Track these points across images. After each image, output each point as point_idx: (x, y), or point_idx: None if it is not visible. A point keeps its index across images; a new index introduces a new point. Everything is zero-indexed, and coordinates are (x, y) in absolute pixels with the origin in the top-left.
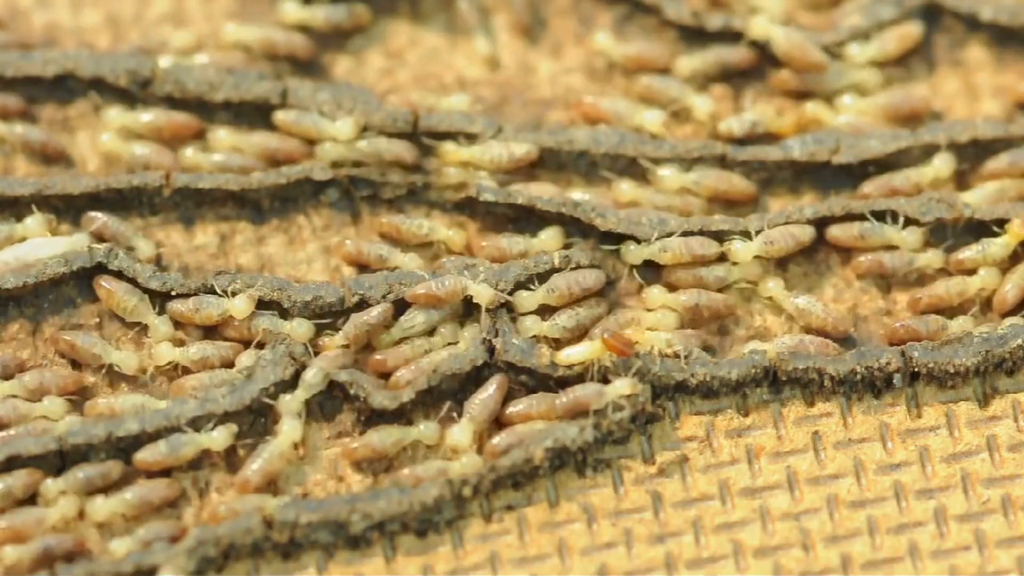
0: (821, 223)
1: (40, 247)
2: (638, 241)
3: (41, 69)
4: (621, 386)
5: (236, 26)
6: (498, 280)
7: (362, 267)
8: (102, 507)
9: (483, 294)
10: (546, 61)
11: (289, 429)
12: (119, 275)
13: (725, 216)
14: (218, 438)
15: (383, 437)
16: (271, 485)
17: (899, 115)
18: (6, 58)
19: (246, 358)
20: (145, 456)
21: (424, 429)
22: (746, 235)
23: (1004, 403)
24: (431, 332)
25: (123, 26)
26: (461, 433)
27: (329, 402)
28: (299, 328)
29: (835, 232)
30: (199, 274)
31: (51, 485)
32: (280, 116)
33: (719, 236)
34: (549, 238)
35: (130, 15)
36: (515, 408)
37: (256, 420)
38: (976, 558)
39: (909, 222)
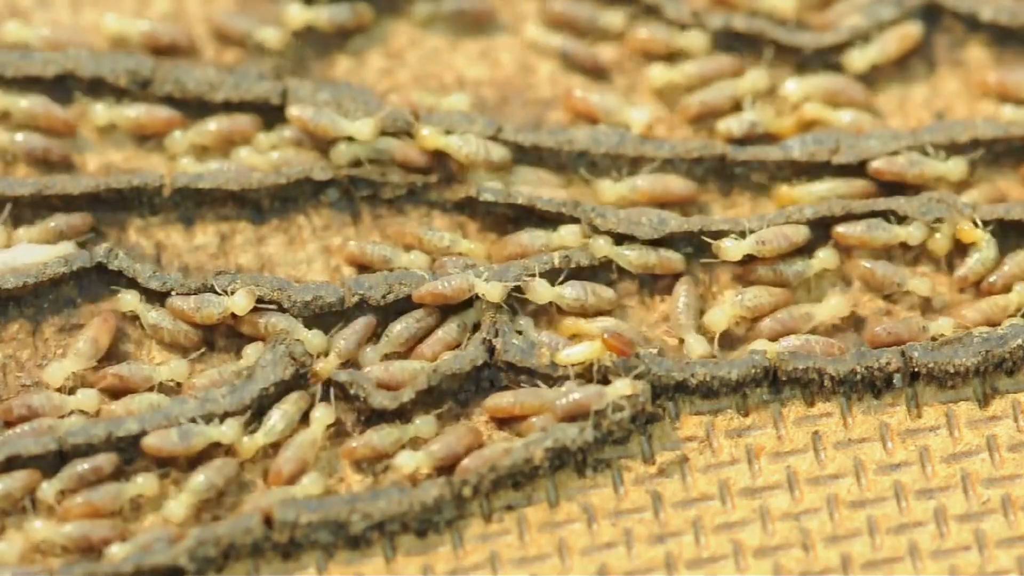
0: (821, 223)
1: (27, 253)
2: (633, 239)
3: (41, 69)
4: (621, 387)
5: (117, 17)
6: (498, 280)
7: (364, 268)
8: (39, 531)
9: (492, 292)
10: (546, 61)
11: (322, 415)
12: (119, 275)
13: (724, 216)
14: (228, 432)
15: (383, 436)
16: (301, 474)
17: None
18: (6, 58)
19: (252, 351)
20: (155, 442)
21: (422, 424)
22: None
23: (1004, 403)
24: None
25: None
26: (411, 459)
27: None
28: (314, 340)
29: (841, 230)
30: (199, 274)
31: (47, 488)
32: (295, 111)
33: (716, 237)
34: (569, 233)
35: (130, 15)
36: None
37: (256, 420)
38: (976, 558)
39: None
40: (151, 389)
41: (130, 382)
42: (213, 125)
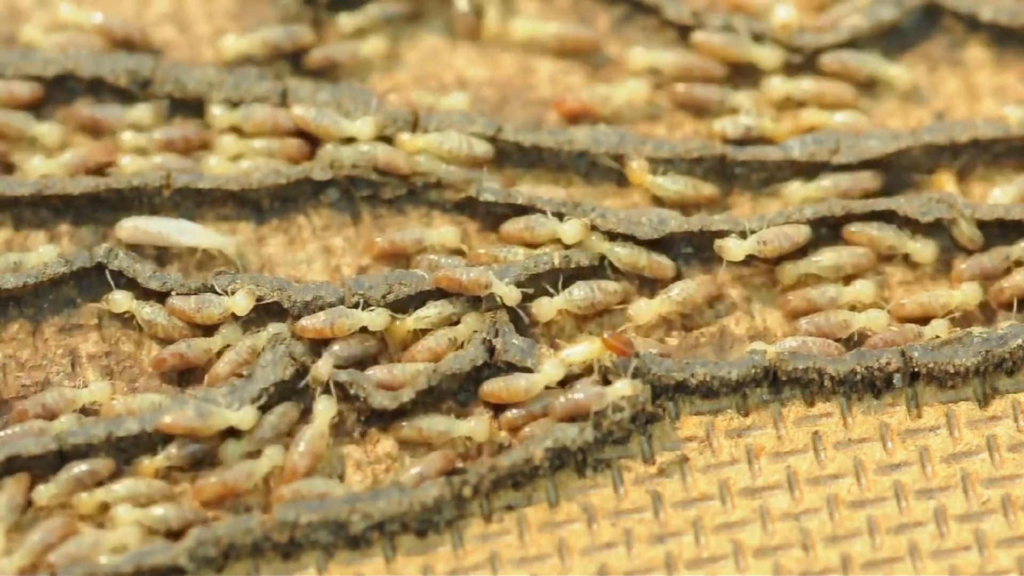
0: (821, 223)
1: (184, 232)
2: (634, 240)
3: (41, 69)
4: (622, 387)
5: (72, 8)
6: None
7: (398, 259)
8: None
9: (510, 295)
10: (546, 61)
11: (324, 408)
12: (119, 275)
13: (725, 216)
14: (246, 417)
15: (431, 424)
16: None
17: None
18: (6, 58)
19: (272, 328)
20: (172, 419)
21: (475, 424)
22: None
23: (1004, 403)
24: (456, 322)
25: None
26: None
27: None
28: (378, 319)
29: (852, 227)
30: (199, 274)
31: (43, 491)
32: (298, 112)
33: (718, 237)
34: (572, 227)
35: (130, 15)
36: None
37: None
38: (976, 558)
39: (908, 223)
40: (209, 360)
41: (190, 358)
42: (259, 113)
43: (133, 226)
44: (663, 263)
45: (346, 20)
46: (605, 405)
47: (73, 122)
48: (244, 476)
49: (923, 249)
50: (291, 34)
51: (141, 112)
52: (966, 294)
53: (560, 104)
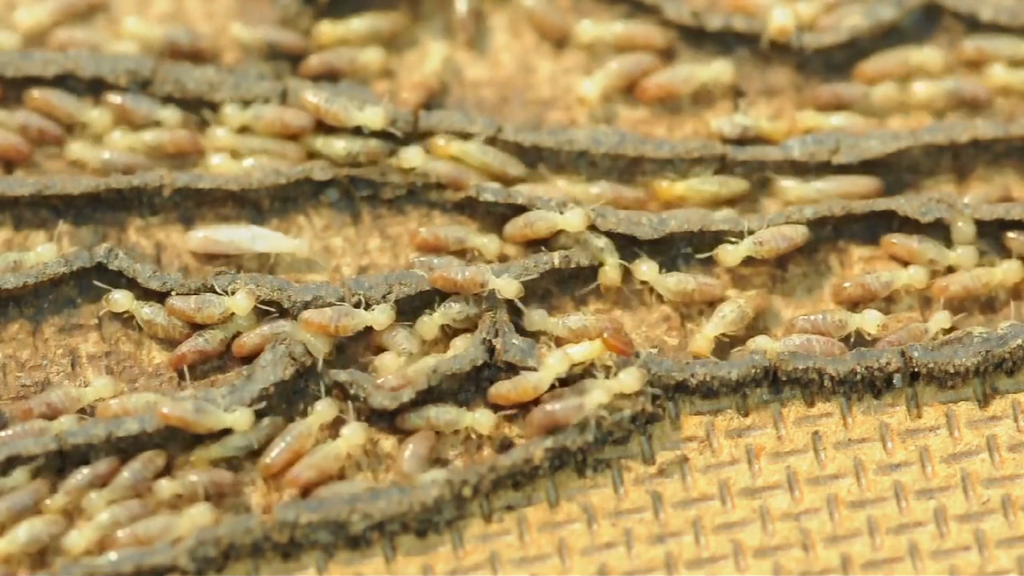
0: (821, 223)
1: (257, 238)
2: (638, 243)
3: (41, 69)
4: (598, 396)
5: None
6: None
7: (438, 253)
8: None
9: (507, 288)
10: (546, 61)
11: (351, 435)
12: (119, 275)
13: (725, 216)
14: (241, 420)
15: (440, 413)
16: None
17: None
18: (6, 58)
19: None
20: (171, 410)
21: (480, 416)
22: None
23: (1004, 403)
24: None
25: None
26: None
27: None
28: (380, 316)
29: (893, 239)
30: (199, 274)
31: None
32: (309, 96)
33: (718, 237)
34: (574, 216)
35: (130, 15)
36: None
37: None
38: (976, 558)
39: (909, 222)
40: (227, 345)
41: (208, 352)
42: (269, 113)
43: (203, 236)
44: (711, 284)
45: (132, 24)
46: (583, 417)
47: None
48: (332, 459)
49: (963, 257)
50: (189, 36)
51: None
52: (1006, 271)
53: (643, 92)
